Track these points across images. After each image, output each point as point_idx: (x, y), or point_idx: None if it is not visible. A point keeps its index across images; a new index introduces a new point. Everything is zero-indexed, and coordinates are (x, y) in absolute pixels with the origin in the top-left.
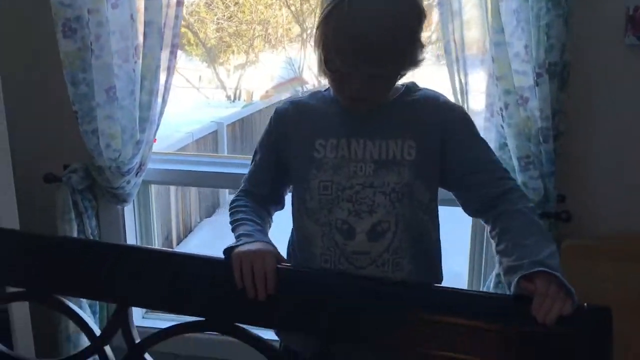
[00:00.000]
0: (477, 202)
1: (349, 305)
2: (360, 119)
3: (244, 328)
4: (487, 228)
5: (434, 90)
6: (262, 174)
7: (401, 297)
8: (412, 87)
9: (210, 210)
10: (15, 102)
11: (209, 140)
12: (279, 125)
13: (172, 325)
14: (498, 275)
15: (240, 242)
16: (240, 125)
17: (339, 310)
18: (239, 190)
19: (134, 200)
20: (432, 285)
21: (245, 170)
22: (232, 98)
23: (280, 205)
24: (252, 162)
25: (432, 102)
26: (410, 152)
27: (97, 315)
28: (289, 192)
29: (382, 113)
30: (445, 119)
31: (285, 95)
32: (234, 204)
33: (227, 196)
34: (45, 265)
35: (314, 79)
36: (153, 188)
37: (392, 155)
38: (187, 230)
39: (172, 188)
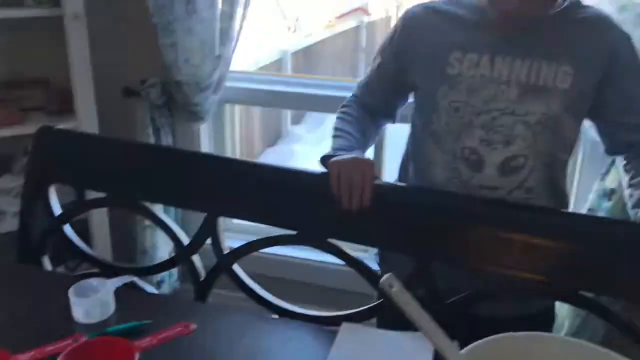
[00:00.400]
0: (621, 146)
1: (445, 225)
2: (510, 33)
3: (335, 243)
4: (622, 161)
5: (602, 10)
6: (378, 83)
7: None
8: (577, 3)
9: (273, 140)
10: (95, 14)
11: (272, 69)
12: (407, 31)
13: (264, 237)
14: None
15: (339, 153)
16: (303, 55)
17: (434, 229)
18: (351, 95)
19: (209, 120)
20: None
21: (329, 93)
22: (294, 28)
23: (392, 119)
24: (369, 67)
25: (601, 23)
26: (565, 80)
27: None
28: (405, 105)
29: (538, 29)
30: (613, 45)
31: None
32: (342, 110)
33: (289, 126)
34: (134, 173)
35: (379, 10)
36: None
37: (542, 80)
38: (250, 158)
39: (237, 113)
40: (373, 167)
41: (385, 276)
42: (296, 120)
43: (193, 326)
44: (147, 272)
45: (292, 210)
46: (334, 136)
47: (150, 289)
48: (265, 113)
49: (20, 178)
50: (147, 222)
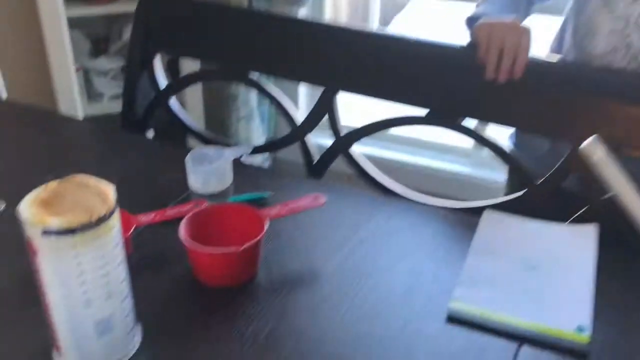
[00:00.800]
0: None
1: (607, 106)
2: None
3: (469, 128)
4: None
5: None
6: None
7: None
8: None
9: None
10: None
11: None
12: None
13: (388, 118)
14: None
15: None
16: None
17: (594, 110)
18: None
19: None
20: None
21: None
22: None
23: None
24: None
25: None
26: None
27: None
28: None
29: None
30: None
31: None
32: None
33: None
34: (245, 43)
35: None
36: None
37: None
38: None
39: None
40: (530, 35)
41: (588, 139)
42: None
43: (323, 199)
44: (255, 152)
45: (421, 86)
46: (479, 4)
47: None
48: None
49: (117, 60)
50: (242, 113)
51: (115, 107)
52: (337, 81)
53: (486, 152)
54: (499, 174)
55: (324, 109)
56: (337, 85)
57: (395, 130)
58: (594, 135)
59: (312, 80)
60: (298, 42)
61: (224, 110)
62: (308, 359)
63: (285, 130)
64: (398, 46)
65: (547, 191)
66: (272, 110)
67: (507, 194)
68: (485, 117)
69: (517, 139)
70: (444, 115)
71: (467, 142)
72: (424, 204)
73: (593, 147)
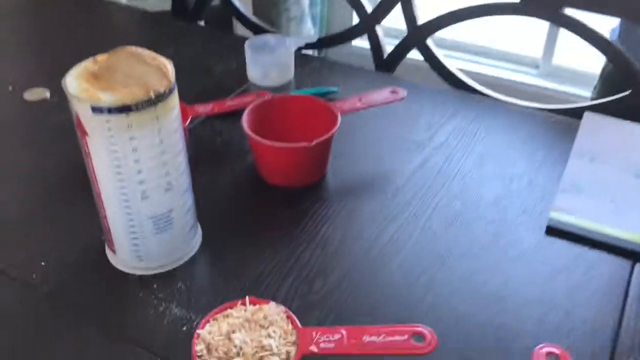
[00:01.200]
0: None
1: None
2: None
3: (572, 18)
4: None
5: None
6: None
7: None
8: None
9: None
10: None
11: None
12: None
13: (475, 5)
14: None
15: None
16: None
17: None
18: None
19: None
20: None
21: None
22: None
23: None
24: None
25: None
26: None
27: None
28: None
29: None
30: None
31: None
32: None
33: None
34: None
35: None
36: None
37: None
38: None
39: None
40: None
41: None
42: None
43: (403, 93)
44: (319, 45)
45: None
46: None
47: None
48: None
49: None
50: (294, 13)
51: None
52: None
53: (556, 60)
54: (573, 87)
55: None
56: None
57: (459, 36)
58: None
59: None
60: None
61: (274, 10)
62: (384, 269)
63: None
64: None
65: None
66: (324, 12)
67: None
68: (585, 6)
69: (621, 34)
70: (541, 2)
71: (537, 51)
72: (515, 104)
73: None
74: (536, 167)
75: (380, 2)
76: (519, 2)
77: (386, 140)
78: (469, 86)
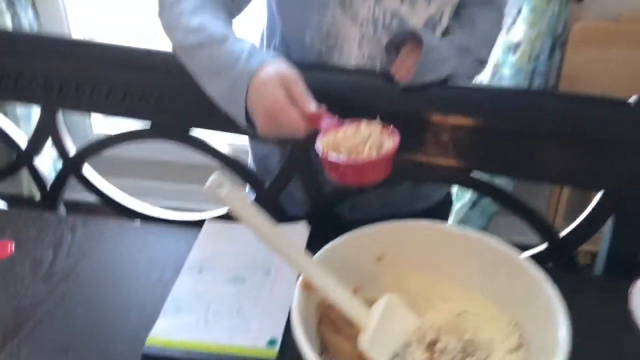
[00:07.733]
0: None
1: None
2: None
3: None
4: None
5: None
6: None
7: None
8: None
9: None
10: None
11: None
12: None
13: (115, 134)
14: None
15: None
16: None
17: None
18: None
19: None
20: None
21: None
22: None
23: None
24: None
25: None
26: None
27: None
28: None
29: None
30: None
31: None
32: (181, 7)
33: None
34: None
35: None
36: None
37: None
38: None
39: None
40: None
41: (211, 177)
42: None
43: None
44: None
45: (142, 99)
46: (206, 42)
47: None
48: None
49: None
50: None
51: None
52: (55, 99)
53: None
54: None
55: (46, 131)
56: (56, 104)
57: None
58: (216, 172)
59: (24, 99)
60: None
61: None
62: None
63: None
64: (115, 54)
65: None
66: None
67: None
68: (212, 126)
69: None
70: (170, 128)
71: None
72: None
73: (218, 184)
74: (153, 289)
75: (31, 138)
76: (150, 128)
77: None
78: (127, 207)
